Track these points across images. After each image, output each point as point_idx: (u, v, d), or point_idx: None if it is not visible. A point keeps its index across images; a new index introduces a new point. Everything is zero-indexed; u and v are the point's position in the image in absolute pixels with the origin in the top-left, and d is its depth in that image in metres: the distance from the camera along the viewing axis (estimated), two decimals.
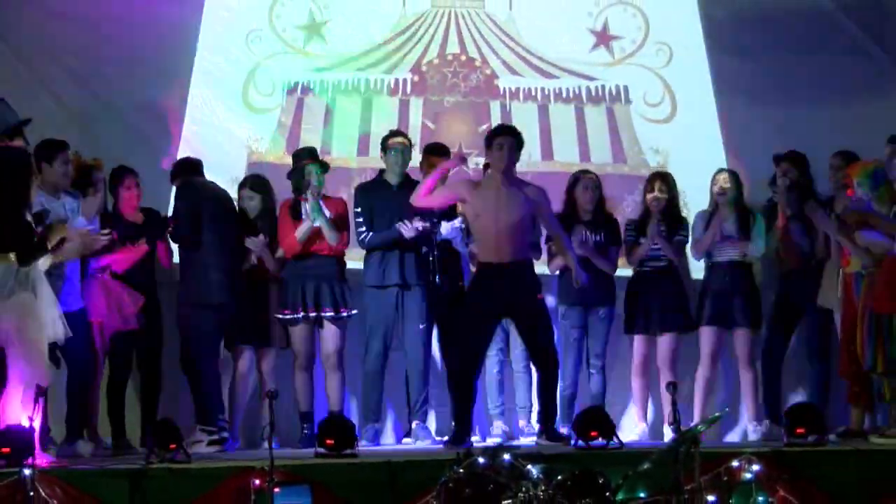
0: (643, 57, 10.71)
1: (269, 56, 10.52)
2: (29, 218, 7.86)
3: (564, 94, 10.67)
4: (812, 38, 10.56)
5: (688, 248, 9.68)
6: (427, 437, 9.33)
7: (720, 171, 9.72)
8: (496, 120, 10.47)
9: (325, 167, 9.50)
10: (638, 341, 9.62)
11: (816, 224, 9.18)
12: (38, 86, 10.04)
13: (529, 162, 10.20)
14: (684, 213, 9.80)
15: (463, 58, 10.63)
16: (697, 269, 9.80)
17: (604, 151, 10.59)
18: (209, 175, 9.77)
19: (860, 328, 8.83)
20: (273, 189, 9.57)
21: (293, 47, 10.56)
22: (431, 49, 10.62)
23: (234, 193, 9.56)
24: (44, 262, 7.98)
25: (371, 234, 9.37)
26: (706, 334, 9.55)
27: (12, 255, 7.80)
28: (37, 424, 7.50)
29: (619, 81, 10.69)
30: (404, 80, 10.59)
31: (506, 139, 8.69)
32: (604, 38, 10.69)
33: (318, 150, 9.81)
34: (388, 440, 9.79)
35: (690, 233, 9.65)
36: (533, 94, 10.65)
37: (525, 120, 10.49)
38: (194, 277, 9.05)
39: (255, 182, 9.58)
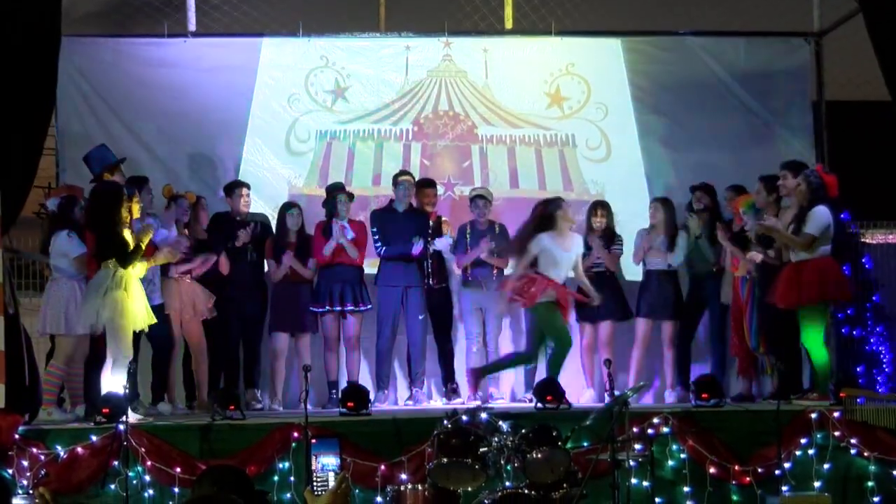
0: (586, 113, 10.56)
1: (305, 113, 10.38)
2: (125, 233, 7.83)
3: (527, 140, 10.52)
4: (712, 100, 10.46)
5: (629, 255, 9.57)
6: (424, 400, 9.26)
7: (656, 199, 9.61)
8: (476, 159, 10.45)
9: (350, 197, 9.47)
10: (586, 328, 9.51)
11: (720, 240, 9.13)
12: (132, 138, 9.93)
13: (500, 190, 10.22)
14: (617, 231, 9.69)
15: (451, 113, 10.50)
16: (636, 273, 9.69)
17: (556, 183, 10.48)
18: (259, 205, 9.78)
19: (746, 317, 8.82)
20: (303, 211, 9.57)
21: (323, 106, 10.43)
22: (427, 107, 10.50)
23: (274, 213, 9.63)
24: (141, 269, 7.95)
25: (385, 247, 9.31)
26: (640, 324, 9.46)
27: (111, 262, 7.79)
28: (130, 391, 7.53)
29: (568, 131, 10.54)
30: (407, 130, 10.47)
31: None
32: (556, 98, 10.56)
33: (343, 182, 9.77)
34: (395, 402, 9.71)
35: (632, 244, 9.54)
36: (503, 139, 10.52)
37: (497, 159, 10.47)
38: None
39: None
